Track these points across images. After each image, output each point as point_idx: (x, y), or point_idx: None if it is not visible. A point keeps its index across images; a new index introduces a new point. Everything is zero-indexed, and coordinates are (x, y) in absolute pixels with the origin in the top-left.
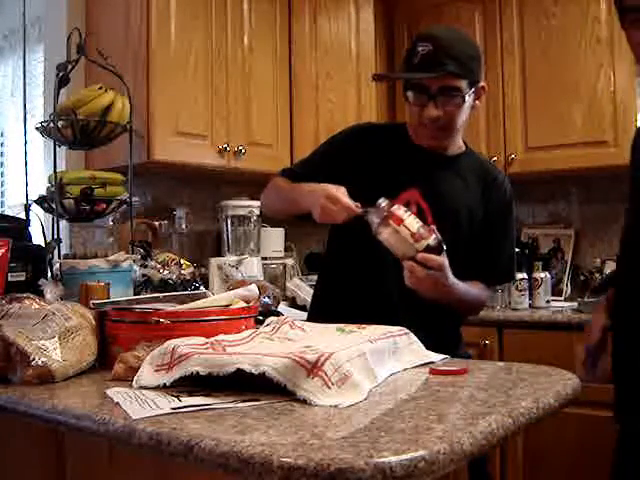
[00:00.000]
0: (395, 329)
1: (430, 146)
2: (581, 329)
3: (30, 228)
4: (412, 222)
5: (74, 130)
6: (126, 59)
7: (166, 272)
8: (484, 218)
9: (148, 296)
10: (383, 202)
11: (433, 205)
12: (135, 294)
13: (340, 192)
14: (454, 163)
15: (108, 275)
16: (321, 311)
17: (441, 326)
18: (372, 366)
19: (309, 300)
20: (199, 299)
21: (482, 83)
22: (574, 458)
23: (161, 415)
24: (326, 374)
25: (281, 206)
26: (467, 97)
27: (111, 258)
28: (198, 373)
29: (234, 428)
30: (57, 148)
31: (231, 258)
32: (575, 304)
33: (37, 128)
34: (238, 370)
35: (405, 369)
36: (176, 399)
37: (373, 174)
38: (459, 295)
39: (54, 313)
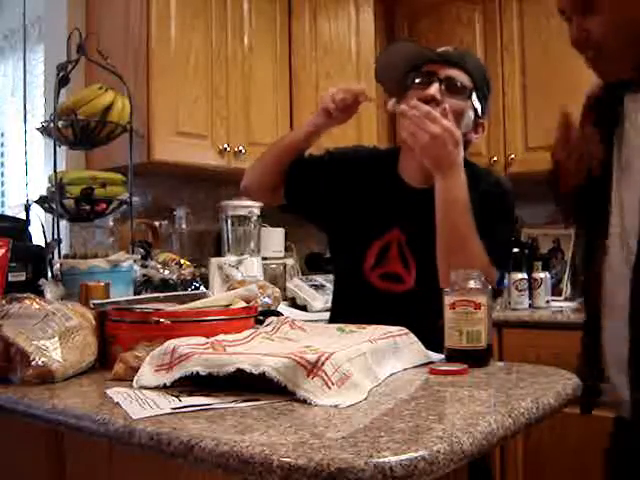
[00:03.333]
0: (395, 329)
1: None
2: (581, 329)
3: (30, 228)
4: None
5: (74, 130)
6: (126, 59)
7: (166, 272)
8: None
9: (148, 296)
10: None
11: (414, 240)
12: (135, 294)
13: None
14: (433, 192)
15: (108, 275)
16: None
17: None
18: (372, 366)
19: (309, 300)
20: (199, 299)
21: (484, 120)
22: (574, 458)
23: (161, 415)
24: (326, 374)
25: (278, 160)
26: (470, 104)
27: (111, 258)
28: (198, 373)
29: (234, 428)
30: (57, 148)
31: (231, 258)
32: (575, 304)
33: (37, 128)
34: (238, 370)
35: (405, 369)
36: (176, 399)
37: (355, 198)
38: (456, 200)
39: (54, 313)
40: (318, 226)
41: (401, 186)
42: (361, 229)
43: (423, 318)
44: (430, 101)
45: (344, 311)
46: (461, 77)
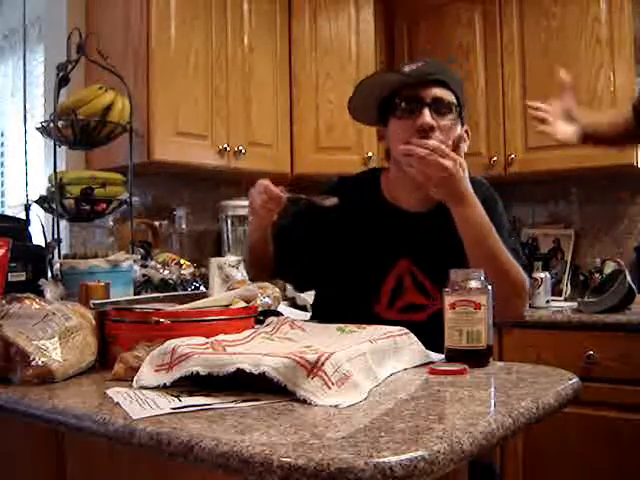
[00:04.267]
0: (395, 329)
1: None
2: (581, 329)
3: (30, 228)
4: None
5: (74, 130)
6: (126, 59)
7: (166, 272)
8: None
9: (148, 296)
10: None
11: (426, 266)
12: (135, 294)
13: (264, 182)
14: (433, 215)
15: (108, 275)
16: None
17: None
18: (372, 366)
19: (309, 300)
20: (199, 299)
21: (467, 127)
22: (574, 458)
23: (161, 415)
24: (326, 374)
25: (259, 260)
26: (459, 119)
27: (111, 258)
28: (198, 373)
29: (234, 428)
30: (57, 148)
31: (231, 258)
32: (575, 304)
33: (37, 128)
34: (238, 370)
35: (405, 369)
36: (176, 399)
37: (350, 242)
38: (482, 224)
39: (54, 313)
40: (321, 282)
41: (398, 214)
42: (367, 269)
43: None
44: (426, 129)
45: None
46: (445, 95)
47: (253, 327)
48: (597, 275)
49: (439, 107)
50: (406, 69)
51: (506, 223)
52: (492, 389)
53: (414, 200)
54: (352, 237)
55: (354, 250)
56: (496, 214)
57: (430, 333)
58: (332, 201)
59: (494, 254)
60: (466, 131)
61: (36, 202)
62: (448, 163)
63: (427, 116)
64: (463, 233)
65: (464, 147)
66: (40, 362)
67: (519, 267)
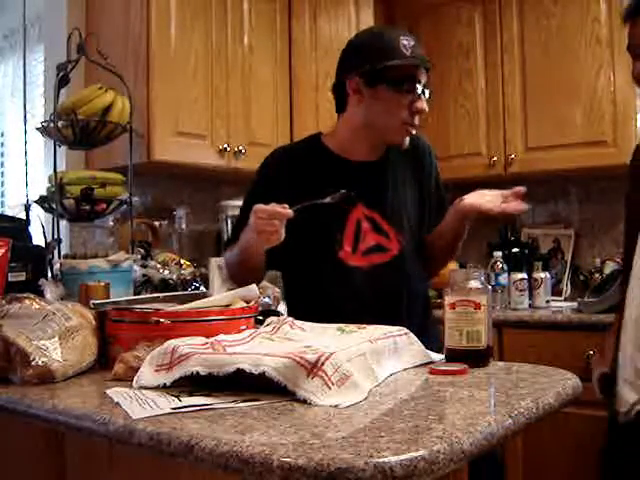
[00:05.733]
0: (395, 329)
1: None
2: (581, 329)
3: (30, 228)
4: None
5: (74, 130)
6: (126, 59)
7: (166, 272)
8: (426, 189)
9: (148, 296)
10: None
11: (381, 208)
12: (135, 294)
13: (264, 206)
14: (383, 164)
15: (108, 275)
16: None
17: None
18: (372, 366)
19: None
20: (199, 299)
21: None
22: (574, 458)
23: (161, 415)
24: (326, 374)
25: (245, 271)
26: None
27: (111, 258)
28: (198, 373)
29: (234, 428)
30: (57, 148)
31: None
32: (575, 304)
33: (37, 128)
34: (238, 370)
35: (405, 369)
36: (176, 399)
37: (308, 199)
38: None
39: (54, 313)
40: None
41: (348, 165)
42: (324, 220)
43: (408, 283)
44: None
45: (319, 305)
46: (425, 78)
47: (253, 327)
48: (597, 275)
49: (424, 91)
50: (404, 42)
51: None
52: (492, 389)
53: (365, 151)
54: (309, 196)
55: (312, 207)
56: (436, 168)
57: (394, 274)
58: (335, 197)
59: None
60: None
61: (36, 202)
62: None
63: (424, 101)
64: (454, 228)
65: None
66: (40, 362)
67: None
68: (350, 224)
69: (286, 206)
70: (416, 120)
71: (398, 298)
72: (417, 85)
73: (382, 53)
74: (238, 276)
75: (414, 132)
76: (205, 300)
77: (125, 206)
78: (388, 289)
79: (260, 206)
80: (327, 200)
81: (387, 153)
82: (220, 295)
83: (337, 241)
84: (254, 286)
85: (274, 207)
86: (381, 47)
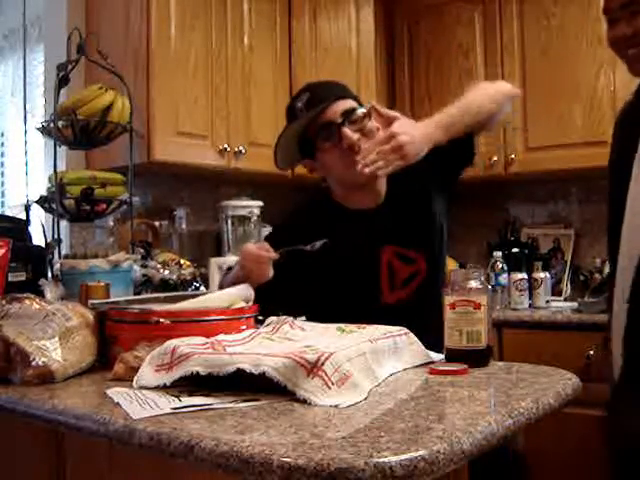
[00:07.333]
0: (395, 329)
1: (368, 182)
2: (581, 329)
3: (30, 228)
4: None
5: (74, 130)
6: (126, 59)
7: (166, 272)
8: (428, 188)
9: (149, 296)
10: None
11: (402, 240)
12: (135, 294)
13: (251, 249)
14: (387, 204)
15: (108, 275)
16: None
17: None
18: (372, 366)
19: None
20: None
21: (367, 104)
22: (574, 458)
23: (161, 415)
24: (326, 374)
25: None
26: (368, 116)
27: (111, 258)
28: (198, 373)
29: (234, 428)
30: (57, 148)
31: (231, 258)
32: (575, 304)
33: (37, 128)
34: (238, 370)
35: (405, 369)
36: (176, 399)
37: (336, 258)
38: (454, 114)
39: (54, 313)
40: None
41: (362, 214)
42: (362, 272)
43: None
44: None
45: None
46: (345, 104)
47: (253, 327)
48: (597, 275)
49: (350, 118)
50: (298, 104)
51: None
52: (492, 389)
53: (367, 200)
54: (339, 252)
55: (341, 264)
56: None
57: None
58: (320, 244)
59: (477, 115)
60: (371, 107)
61: (36, 202)
62: (401, 139)
63: (348, 134)
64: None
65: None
66: (40, 362)
67: (484, 95)
68: (384, 267)
69: (270, 249)
70: (363, 145)
71: (433, 310)
72: (333, 127)
73: (288, 122)
74: None
75: (370, 159)
76: (201, 298)
77: (125, 206)
78: (423, 307)
79: (247, 248)
80: (308, 248)
81: (387, 195)
82: (214, 294)
83: (377, 290)
84: (246, 285)
85: (259, 250)
86: (288, 117)
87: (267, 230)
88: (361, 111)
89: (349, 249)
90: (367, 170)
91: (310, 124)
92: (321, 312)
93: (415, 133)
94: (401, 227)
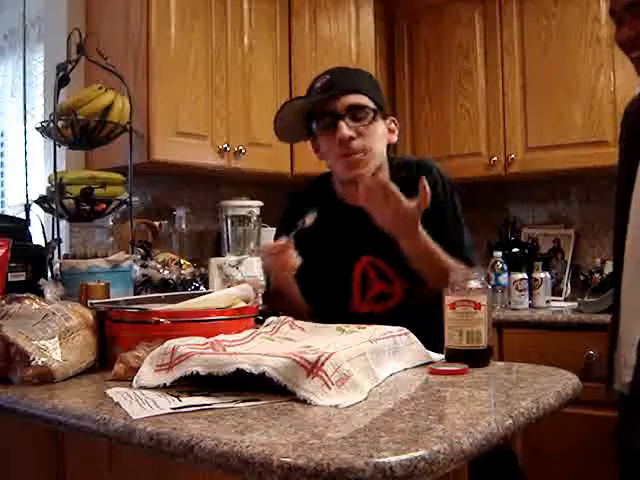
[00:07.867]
0: (395, 329)
1: (356, 177)
2: (581, 329)
3: (30, 228)
4: None
5: (74, 130)
6: (126, 59)
7: (166, 272)
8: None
9: (149, 296)
10: None
11: (382, 255)
12: (135, 294)
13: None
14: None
15: (108, 275)
16: None
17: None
18: (372, 366)
19: None
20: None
21: (391, 117)
22: (574, 458)
23: (161, 415)
24: (326, 374)
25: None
26: (377, 118)
27: (111, 258)
28: (198, 373)
29: (234, 428)
30: (57, 148)
31: (231, 258)
32: (575, 304)
33: (37, 128)
34: (238, 370)
35: (405, 369)
36: (176, 399)
37: (317, 247)
38: (429, 248)
39: (54, 313)
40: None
41: (350, 209)
42: (336, 270)
43: (413, 328)
44: (348, 140)
45: None
46: (358, 100)
47: (253, 327)
48: (597, 275)
49: (354, 114)
50: (317, 84)
51: (452, 208)
52: (492, 389)
53: (358, 197)
54: (321, 242)
55: (324, 254)
56: (438, 201)
57: (398, 322)
58: (311, 218)
59: (441, 274)
60: (393, 121)
61: (36, 202)
62: (392, 208)
63: (343, 129)
64: (411, 257)
65: (393, 139)
66: (40, 362)
67: (456, 264)
68: (357, 273)
69: (279, 241)
70: (352, 147)
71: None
72: (334, 117)
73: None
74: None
75: (355, 159)
76: (199, 299)
77: (125, 206)
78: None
79: (263, 245)
80: (299, 225)
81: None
82: (214, 294)
83: (347, 292)
84: (246, 285)
85: (266, 245)
86: (307, 93)
87: (267, 230)
88: (368, 111)
89: (330, 243)
90: (363, 204)
91: (317, 107)
92: (308, 298)
93: (413, 220)
94: (381, 239)
